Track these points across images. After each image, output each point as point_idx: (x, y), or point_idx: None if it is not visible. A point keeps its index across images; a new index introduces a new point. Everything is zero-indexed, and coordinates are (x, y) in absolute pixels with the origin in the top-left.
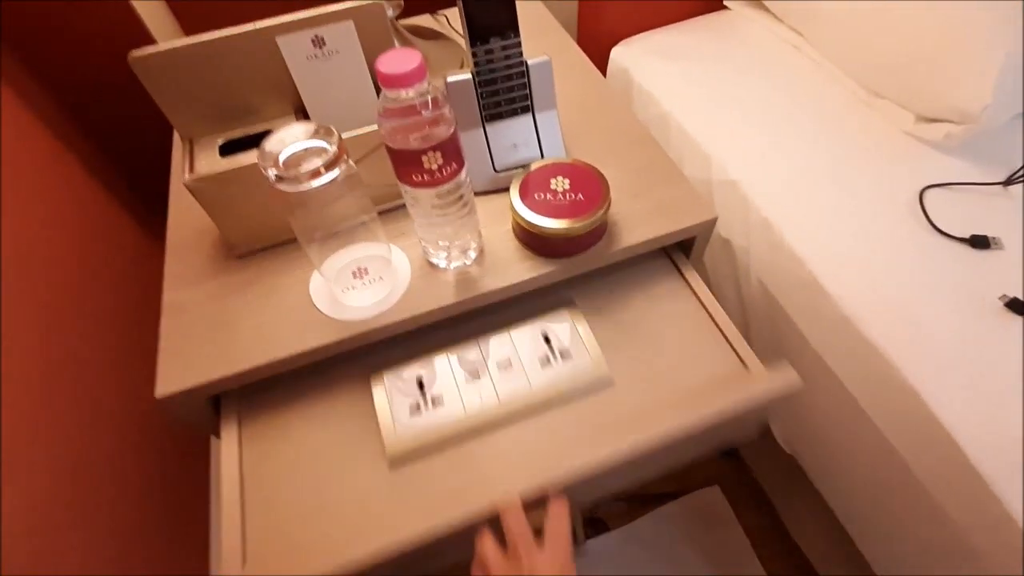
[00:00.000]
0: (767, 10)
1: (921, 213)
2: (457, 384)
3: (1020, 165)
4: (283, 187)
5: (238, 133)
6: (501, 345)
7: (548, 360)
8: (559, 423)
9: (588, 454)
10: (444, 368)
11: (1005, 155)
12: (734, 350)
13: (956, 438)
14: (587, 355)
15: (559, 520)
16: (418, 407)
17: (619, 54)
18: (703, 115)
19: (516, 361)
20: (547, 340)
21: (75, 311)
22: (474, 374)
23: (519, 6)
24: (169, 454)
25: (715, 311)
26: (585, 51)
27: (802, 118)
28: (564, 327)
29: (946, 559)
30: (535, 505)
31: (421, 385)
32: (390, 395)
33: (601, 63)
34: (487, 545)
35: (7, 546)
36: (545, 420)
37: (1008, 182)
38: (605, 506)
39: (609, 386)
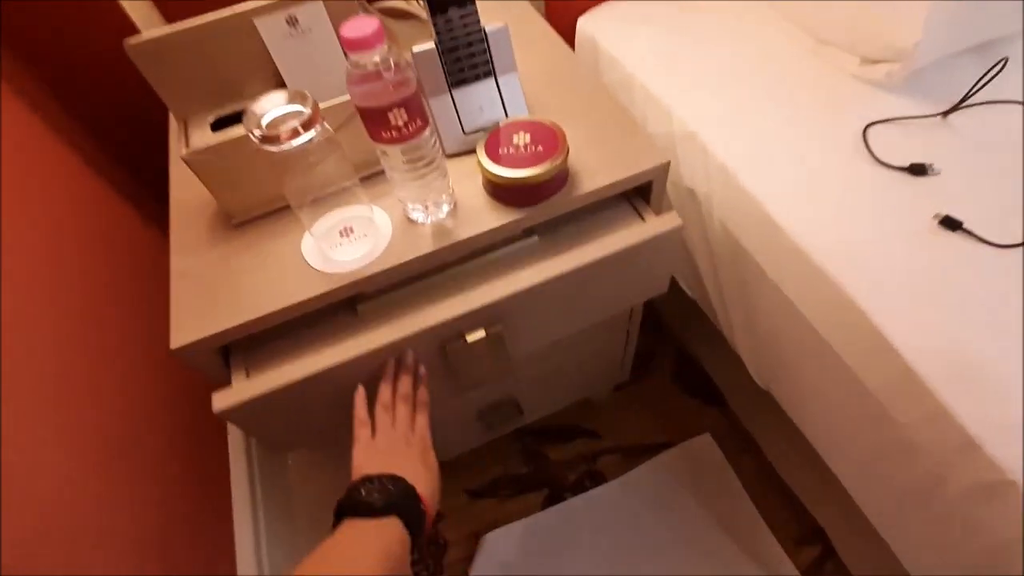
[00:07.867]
0: None
1: (864, 148)
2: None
3: (960, 97)
4: (267, 147)
5: (226, 111)
6: None
7: None
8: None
9: (514, 284)
10: None
11: (948, 89)
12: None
13: (895, 346)
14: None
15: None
16: None
17: (585, 23)
18: (663, 74)
19: None
20: None
21: (86, 290)
22: None
23: None
24: (186, 403)
25: None
26: (554, 24)
27: (755, 69)
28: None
29: (897, 458)
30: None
31: None
32: None
33: (570, 34)
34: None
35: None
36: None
37: (947, 112)
38: (600, 459)
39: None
